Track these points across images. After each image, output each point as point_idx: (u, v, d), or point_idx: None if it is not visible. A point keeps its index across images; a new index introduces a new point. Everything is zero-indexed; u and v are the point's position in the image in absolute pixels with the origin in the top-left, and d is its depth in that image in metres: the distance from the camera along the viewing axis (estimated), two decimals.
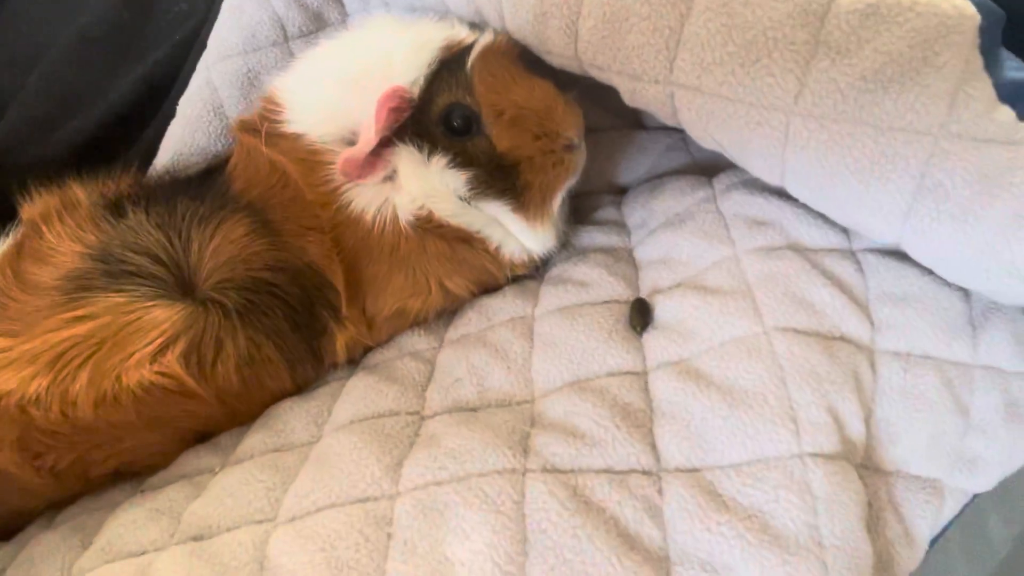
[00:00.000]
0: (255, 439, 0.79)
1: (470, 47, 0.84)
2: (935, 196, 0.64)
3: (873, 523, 0.66)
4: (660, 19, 0.72)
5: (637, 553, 0.61)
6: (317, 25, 1.04)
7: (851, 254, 0.78)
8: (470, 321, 0.88)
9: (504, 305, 0.87)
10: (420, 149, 0.83)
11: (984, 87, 0.62)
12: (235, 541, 0.66)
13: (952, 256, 0.67)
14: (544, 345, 0.79)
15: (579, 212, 1.01)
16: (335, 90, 0.84)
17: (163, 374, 0.77)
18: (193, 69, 1.02)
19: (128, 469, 0.83)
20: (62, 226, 0.81)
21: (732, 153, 0.77)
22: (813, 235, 0.79)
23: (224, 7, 1.02)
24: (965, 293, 0.73)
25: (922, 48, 0.62)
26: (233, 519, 0.69)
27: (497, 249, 0.88)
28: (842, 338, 0.72)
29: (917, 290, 0.73)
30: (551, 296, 0.86)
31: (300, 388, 0.88)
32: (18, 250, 0.82)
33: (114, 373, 0.75)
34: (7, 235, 0.86)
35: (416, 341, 0.88)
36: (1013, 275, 0.63)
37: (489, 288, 0.92)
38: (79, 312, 0.76)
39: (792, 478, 0.63)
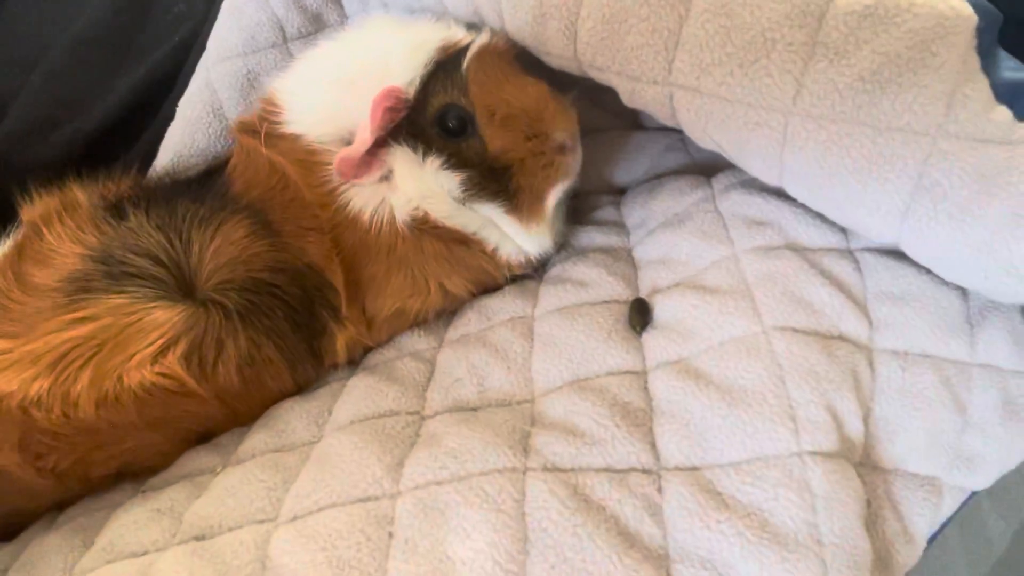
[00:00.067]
0: (256, 439, 0.79)
1: (466, 48, 0.84)
2: (933, 196, 0.64)
3: (872, 521, 0.66)
4: (659, 20, 0.72)
5: (637, 551, 0.61)
6: (316, 26, 1.04)
7: (849, 253, 0.78)
8: (470, 321, 0.88)
9: (504, 305, 0.88)
10: (415, 150, 0.83)
11: (981, 87, 0.62)
12: (237, 541, 0.66)
13: (950, 255, 0.67)
14: (544, 345, 0.79)
15: (578, 212, 1.01)
16: (333, 91, 0.84)
17: (164, 375, 0.77)
18: (192, 70, 1.02)
19: (129, 470, 0.83)
20: (62, 228, 0.81)
21: (731, 153, 0.77)
22: (811, 235, 0.79)
23: (223, 9, 1.02)
24: (963, 292, 0.73)
25: (920, 49, 0.63)
26: (235, 519, 0.69)
27: (494, 251, 0.89)
28: (841, 337, 0.72)
29: (915, 289, 0.74)
30: (551, 296, 0.86)
31: (301, 388, 0.88)
32: (19, 252, 0.82)
33: (115, 374, 0.76)
34: (7, 237, 0.86)
35: (416, 341, 0.89)
36: (1011, 274, 0.64)
37: (488, 288, 0.92)
38: (80, 313, 0.76)
39: (791, 476, 0.63)
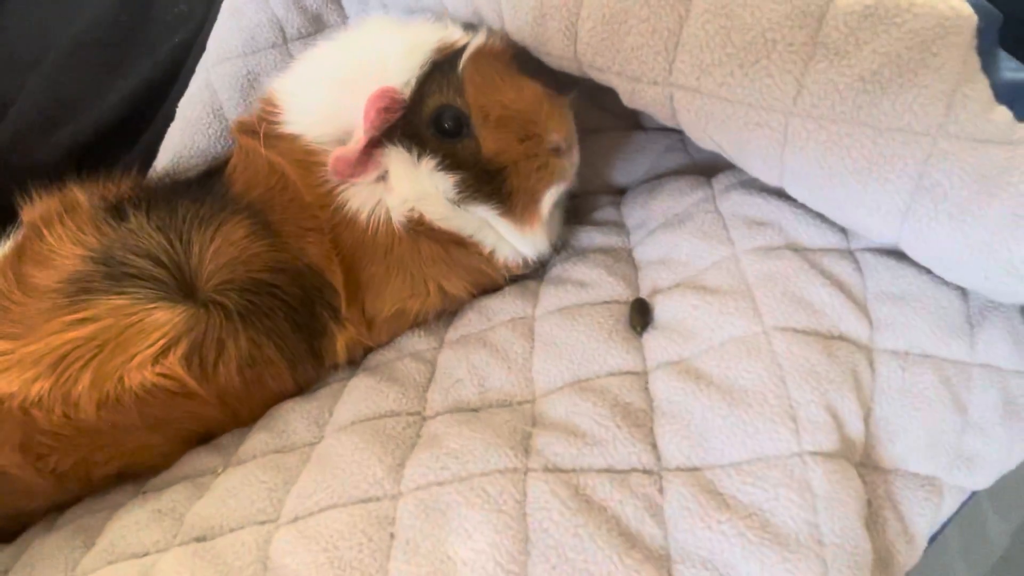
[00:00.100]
0: (257, 440, 0.79)
1: (463, 49, 0.84)
2: (933, 196, 0.64)
3: (872, 521, 0.66)
4: (659, 21, 0.72)
5: (638, 552, 0.61)
6: (316, 27, 1.04)
7: (849, 254, 0.78)
8: (470, 322, 0.88)
9: (504, 305, 0.88)
10: (410, 150, 0.82)
11: (981, 88, 0.62)
12: (238, 542, 0.66)
13: (950, 255, 0.67)
14: (544, 345, 0.79)
15: (578, 212, 1.02)
16: (331, 91, 0.84)
17: (165, 376, 0.77)
18: (192, 71, 1.02)
19: (130, 470, 0.83)
20: (63, 229, 0.81)
21: (731, 154, 0.77)
22: (812, 235, 0.80)
23: (223, 9, 1.02)
24: (963, 292, 0.73)
25: (920, 49, 0.63)
26: (236, 520, 0.69)
27: (491, 253, 0.88)
28: (841, 337, 0.72)
29: (915, 289, 0.74)
30: (551, 296, 0.86)
31: (301, 389, 0.88)
32: (19, 253, 0.82)
33: (116, 375, 0.76)
34: (8, 238, 0.86)
35: (416, 342, 0.89)
36: (1011, 274, 0.64)
37: (487, 289, 0.92)
38: (81, 315, 0.76)
39: (792, 476, 0.63)
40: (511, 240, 0.87)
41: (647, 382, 0.73)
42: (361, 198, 0.84)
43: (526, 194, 0.85)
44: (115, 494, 0.82)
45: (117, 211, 0.83)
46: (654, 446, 0.68)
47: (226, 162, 0.90)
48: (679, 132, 0.86)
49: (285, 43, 1.02)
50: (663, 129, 1.05)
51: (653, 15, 0.72)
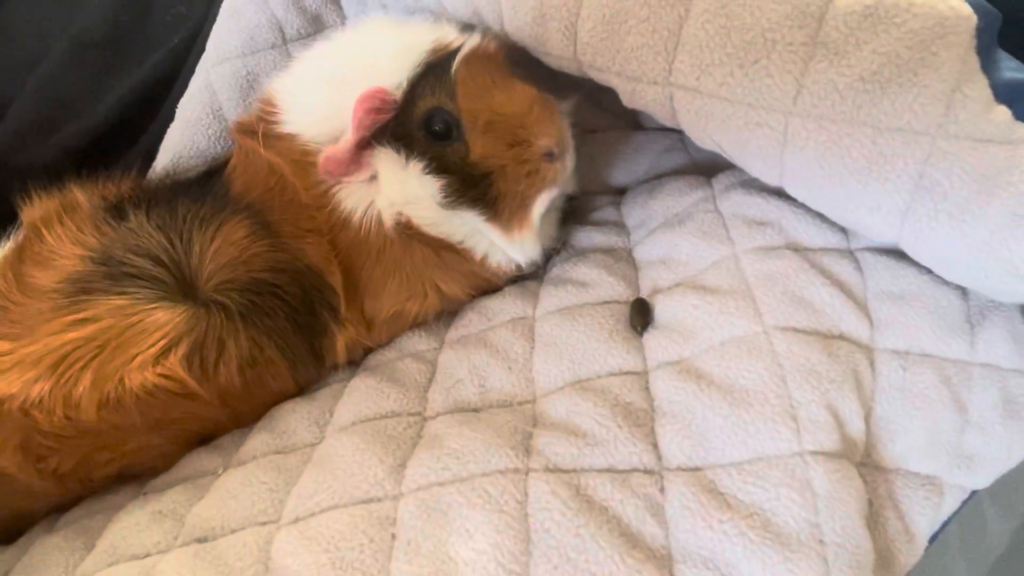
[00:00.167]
0: (257, 441, 0.79)
1: (457, 50, 0.83)
2: (933, 196, 0.64)
3: (873, 520, 0.66)
4: (659, 21, 0.72)
5: (640, 551, 0.61)
6: (315, 28, 1.04)
7: (850, 253, 0.78)
8: (470, 322, 0.88)
9: (504, 306, 0.88)
10: (399, 152, 0.82)
11: (981, 87, 0.62)
12: (239, 543, 0.66)
13: (950, 255, 0.67)
14: (545, 345, 0.79)
15: (578, 213, 1.02)
16: (327, 91, 0.84)
17: (166, 376, 0.77)
18: (192, 72, 1.02)
19: (131, 471, 0.83)
20: (63, 229, 0.81)
21: (731, 154, 0.78)
22: (812, 234, 0.80)
23: (223, 10, 1.02)
24: (963, 291, 0.73)
25: (919, 49, 0.63)
26: (237, 521, 0.69)
27: (483, 259, 0.88)
28: (841, 337, 0.72)
29: (915, 288, 0.74)
30: (551, 297, 0.86)
31: (302, 389, 0.88)
32: (19, 253, 0.82)
33: (117, 376, 0.76)
34: (7, 238, 0.86)
35: (417, 342, 0.89)
36: (1011, 273, 0.64)
37: (486, 291, 0.92)
38: (81, 315, 0.76)
39: (793, 476, 0.63)
40: (501, 246, 0.86)
41: (648, 382, 0.73)
42: (355, 199, 0.83)
43: (515, 199, 0.84)
44: (116, 495, 0.82)
45: (117, 211, 0.83)
46: (655, 446, 0.68)
47: (226, 162, 0.90)
48: (679, 132, 0.86)
49: (284, 44, 1.02)
50: (663, 129, 1.05)
51: (653, 15, 0.72)
